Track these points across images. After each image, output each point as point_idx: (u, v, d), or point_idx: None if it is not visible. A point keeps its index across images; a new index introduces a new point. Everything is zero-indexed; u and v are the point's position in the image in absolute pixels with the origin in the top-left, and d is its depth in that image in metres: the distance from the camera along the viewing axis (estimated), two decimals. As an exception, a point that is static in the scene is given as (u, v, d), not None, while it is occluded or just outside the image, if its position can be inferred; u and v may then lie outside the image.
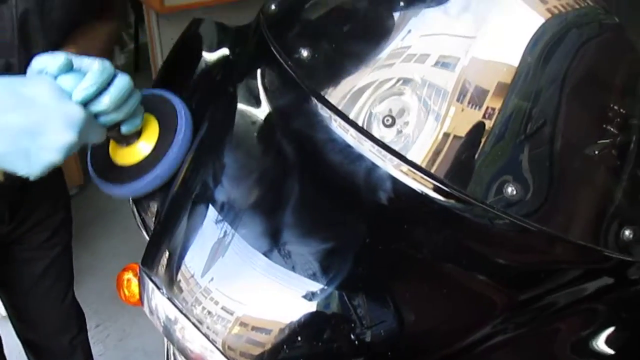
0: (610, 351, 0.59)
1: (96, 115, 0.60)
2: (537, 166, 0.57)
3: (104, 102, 0.58)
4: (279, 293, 0.59)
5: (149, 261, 0.65)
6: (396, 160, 0.57)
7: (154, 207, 0.73)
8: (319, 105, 0.61)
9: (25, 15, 0.74)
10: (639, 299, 0.62)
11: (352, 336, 0.57)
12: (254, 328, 0.59)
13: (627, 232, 0.58)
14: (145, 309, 0.67)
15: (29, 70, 0.59)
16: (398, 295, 0.59)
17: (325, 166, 0.60)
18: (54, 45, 0.78)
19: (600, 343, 0.60)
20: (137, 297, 0.89)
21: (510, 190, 0.55)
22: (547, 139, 0.58)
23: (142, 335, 1.91)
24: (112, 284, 2.11)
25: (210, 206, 0.64)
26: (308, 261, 0.58)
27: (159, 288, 0.62)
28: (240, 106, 0.69)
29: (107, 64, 0.58)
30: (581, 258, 0.59)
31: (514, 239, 0.58)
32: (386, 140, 0.58)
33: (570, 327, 0.63)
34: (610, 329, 0.60)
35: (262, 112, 0.67)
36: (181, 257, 0.64)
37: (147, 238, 0.76)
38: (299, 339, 0.57)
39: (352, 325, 0.56)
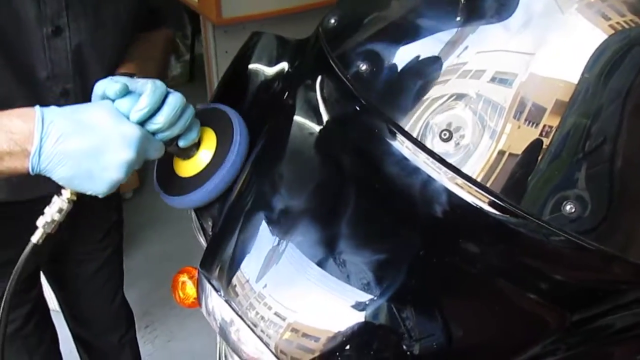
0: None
1: (153, 133, 0.64)
2: (596, 184, 0.56)
3: (159, 120, 0.63)
4: (330, 302, 0.60)
5: (207, 264, 0.68)
6: (452, 174, 0.58)
7: (213, 212, 0.75)
8: (377, 118, 0.62)
9: (79, 47, 0.79)
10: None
11: (400, 348, 0.57)
12: (304, 335, 0.61)
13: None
14: (203, 310, 0.69)
15: (93, 96, 0.64)
16: (448, 309, 0.59)
17: (381, 178, 0.62)
18: (110, 68, 0.83)
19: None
20: (191, 299, 0.92)
21: (569, 207, 0.55)
22: (607, 156, 0.58)
23: (190, 338, 1.96)
24: (163, 287, 2.17)
25: (267, 214, 0.67)
26: (360, 271, 0.60)
27: (216, 290, 0.65)
28: (299, 117, 0.72)
29: (158, 84, 0.62)
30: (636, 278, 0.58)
31: (570, 256, 0.57)
32: (442, 154, 0.58)
33: (625, 351, 0.62)
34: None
35: (320, 123, 0.69)
36: (238, 263, 0.66)
37: (204, 243, 0.79)
38: (348, 348, 0.58)
39: (401, 337, 0.57)
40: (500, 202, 0.56)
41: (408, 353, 0.57)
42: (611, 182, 0.57)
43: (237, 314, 0.62)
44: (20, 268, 0.67)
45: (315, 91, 0.71)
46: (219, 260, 0.67)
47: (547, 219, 0.55)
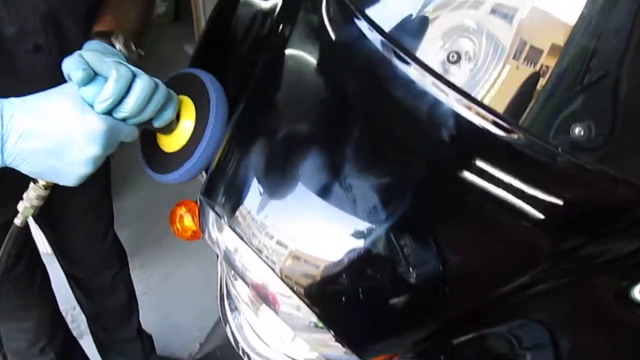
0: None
1: (124, 119, 0.61)
2: (604, 107, 0.56)
3: (126, 109, 0.59)
4: (329, 230, 0.60)
5: (210, 193, 0.67)
6: (459, 96, 0.57)
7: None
8: (383, 41, 0.60)
9: (48, 1, 0.75)
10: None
11: (397, 275, 0.58)
12: (306, 262, 0.61)
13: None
14: (206, 238, 0.69)
15: (64, 72, 0.60)
16: (448, 236, 0.59)
17: (387, 101, 0.60)
18: (84, 22, 0.78)
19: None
20: (190, 232, 0.92)
21: (577, 130, 0.54)
22: (614, 79, 0.57)
23: (185, 277, 1.98)
24: (155, 227, 2.18)
25: (268, 143, 0.66)
26: (361, 198, 0.59)
27: (220, 217, 0.64)
28: (299, 43, 0.69)
29: (122, 70, 0.58)
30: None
31: (574, 179, 0.57)
32: (450, 77, 0.57)
33: (611, 279, 0.62)
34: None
35: (323, 47, 0.67)
36: (240, 192, 0.65)
37: (204, 173, 0.78)
38: (346, 274, 0.59)
39: (399, 264, 0.58)
40: (507, 124, 0.56)
41: (405, 280, 0.58)
42: (618, 104, 0.56)
43: (242, 239, 0.62)
44: (8, 249, 0.68)
45: (316, 14, 0.68)
46: (222, 189, 0.66)
47: (553, 141, 0.55)
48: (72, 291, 1.40)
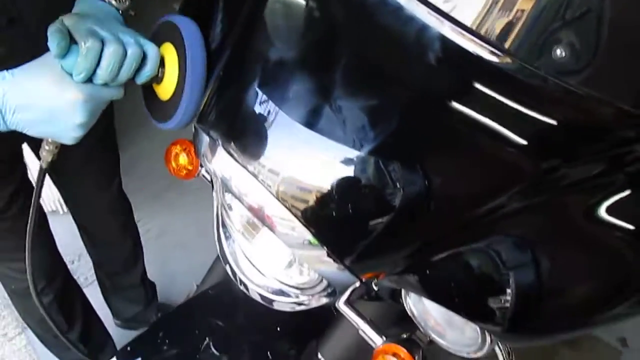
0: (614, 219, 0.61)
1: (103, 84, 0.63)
2: (586, 29, 0.58)
3: (101, 77, 0.62)
4: (320, 152, 0.62)
5: (204, 119, 0.69)
6: (446, 21, 0.59)
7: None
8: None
9: None
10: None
11: (384, 195, 0.61)
12: (299, 184, 0.64)
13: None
14: (203, 166, 0.71)
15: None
16: (433, 158, 0.62)
17: (376, 28, 0.62)
18: None
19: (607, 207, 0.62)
20: (184, 171, 0.95)
21: (559, 52, 0.56)
22: (596, 2, 0.59)
23: (181, 232, 2.02)
24: (153, 182, 2.19)
25: (260, 68, 0.67)
26: (351, 122, 0.61)
27: (215, 140, 0.66)
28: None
29: (90, 42, 0.60)
30: (622, 122, 0.61)
31: (557, 99, 0.60)
32: (437, 2, 0.59)
33: (582, 200, 0.64)
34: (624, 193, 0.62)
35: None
36: (233, 117, 0.67)
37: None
38: (338, 195, 0.62)
39: (385, 185, 0.60)
40: (494, 48, 0.58)
41: (392, 199, 0.61)
42: (600, 27, 0.58)
43: (238, 162, 0.65)
44: (39, 188, 0.75)
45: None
46: (215, 115, 0.68)
47: (538, 64, 0.57)
48: (82, 239, 1.43)
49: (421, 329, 0.73)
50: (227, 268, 0.85)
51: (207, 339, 1.01)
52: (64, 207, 1.87)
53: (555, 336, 0.70)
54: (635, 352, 1.70)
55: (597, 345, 1.71)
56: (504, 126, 0.61)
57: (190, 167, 0.94)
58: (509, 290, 0.61)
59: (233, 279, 0.85)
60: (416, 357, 0.73)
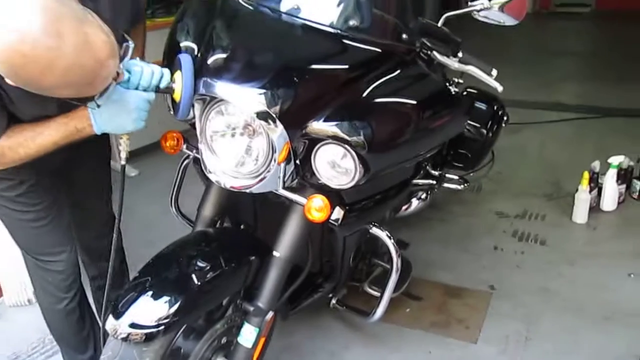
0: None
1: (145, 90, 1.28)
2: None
3: (142, 85, 1.24)
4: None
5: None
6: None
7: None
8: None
9: None
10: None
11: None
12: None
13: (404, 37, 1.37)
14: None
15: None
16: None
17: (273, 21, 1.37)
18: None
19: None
20: (173, 149, 1.58)
21: (351, 23, 1.33)
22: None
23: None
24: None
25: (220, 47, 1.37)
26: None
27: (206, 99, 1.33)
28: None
29: (145, 69, 1.23)
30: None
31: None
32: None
33: None
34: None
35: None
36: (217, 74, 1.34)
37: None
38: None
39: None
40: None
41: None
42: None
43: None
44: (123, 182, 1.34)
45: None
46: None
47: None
48: (80, 255, 1.86)
49: (321, 178, 1.37)
50: (203, 165, 1.44)
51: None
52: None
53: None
54: (501, 292, 2.35)
55: (473, 293, 2.34)
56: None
57: (175, 146, 1.58)
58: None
59: (206, 172, 1.44)
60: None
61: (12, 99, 1.20)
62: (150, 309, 1.28)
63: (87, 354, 1.83)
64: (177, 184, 1.79)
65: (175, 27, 1.55)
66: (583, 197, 2.81)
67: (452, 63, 1.55)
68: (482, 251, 2.63)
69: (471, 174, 2.49)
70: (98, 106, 1.16)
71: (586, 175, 2.80)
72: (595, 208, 2.89)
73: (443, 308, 2.26)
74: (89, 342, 1.81)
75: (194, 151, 1.60)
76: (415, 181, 2.07)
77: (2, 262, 2.31)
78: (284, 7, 1.39)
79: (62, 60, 0.94)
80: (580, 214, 2.83)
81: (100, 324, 1.88)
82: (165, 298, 1.30)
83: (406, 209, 2.40)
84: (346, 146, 1.30)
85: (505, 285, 2.37)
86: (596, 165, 2.91)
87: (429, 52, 1.54)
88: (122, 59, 1.12)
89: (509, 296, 2.31)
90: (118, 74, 1.12)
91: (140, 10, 1.50)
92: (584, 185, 2.80)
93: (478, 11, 1.59)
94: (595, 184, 2.87)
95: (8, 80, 0.98)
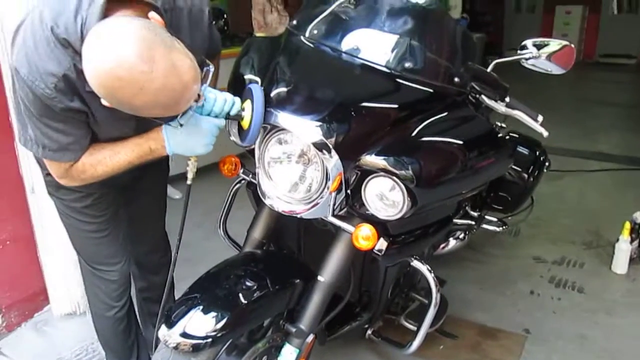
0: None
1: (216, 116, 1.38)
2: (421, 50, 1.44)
3: (214, 112, 1.33)
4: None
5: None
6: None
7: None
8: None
9: None
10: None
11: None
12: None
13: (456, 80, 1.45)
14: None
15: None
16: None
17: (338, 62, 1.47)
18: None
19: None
20: (231, 172, 1.68)
21: (406, 64, 1.42)
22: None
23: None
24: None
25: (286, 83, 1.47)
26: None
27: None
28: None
29: (219, 97, 1.32)
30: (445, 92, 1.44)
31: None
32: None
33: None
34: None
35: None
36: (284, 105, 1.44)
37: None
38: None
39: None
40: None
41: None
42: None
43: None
44: (187, 201, 1.43)
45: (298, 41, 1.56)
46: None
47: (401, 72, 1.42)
48: (130, 267, 1.98)
49: (370, 209, 1.44)
50: (259, 191, 1.53)
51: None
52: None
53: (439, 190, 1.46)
54: (536, 336, 2.34)
55: (508, 335, 2.34)
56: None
57: (233, 170, 1.68)
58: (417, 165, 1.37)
59: (262, 197, 1.52)
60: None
61: (97, 119, 1.32)
62: (200, 322, 1.36)
63: None
64: (227, 206, 1.88)
65: (240, 60, 1.66)
66: (624, 247, 2.79)
67: (500, 107, 1.63)
68: (518, 295, 2.63)
69: (510, 218, 2.52)
70: (181, 125, 1.27)
71: (627, 225, 2.79)
72: (635, 260, 2.86)
73: (477, 348, 2.26)
74: (133, 350, 1.90)
75: (250, 175, 1.69)
76: (455, 220, 2.11)
77: (51, 273, 2.43)
78: (344, 46, 1.48)
79: (154, 83, 1.04)
80: (620, 264, 2.81)
81: (144, 335, 2.00)
82: (214, 313, 1.38)
83: (444, 247, 2.45)
84: (395, 179, 1.37)
85: (541, 330, 2.36)
86: (637, 216, 2.90)
87: (477, 96, 1.62)
88: (202, 82, 1.22)
89: (544, 341, 2.30)
90: (199, 96, 1.22)
91: (215, 42, 1.62)
92: (625, 236, 2.78)
93: (527, 59, 1.67)
94: (637, 235, 2.85)
95: (103, 101, 1.09)
